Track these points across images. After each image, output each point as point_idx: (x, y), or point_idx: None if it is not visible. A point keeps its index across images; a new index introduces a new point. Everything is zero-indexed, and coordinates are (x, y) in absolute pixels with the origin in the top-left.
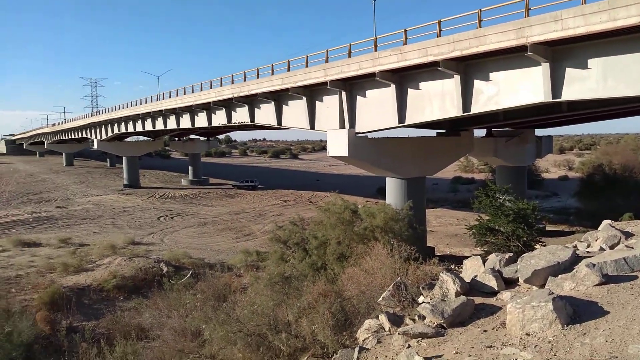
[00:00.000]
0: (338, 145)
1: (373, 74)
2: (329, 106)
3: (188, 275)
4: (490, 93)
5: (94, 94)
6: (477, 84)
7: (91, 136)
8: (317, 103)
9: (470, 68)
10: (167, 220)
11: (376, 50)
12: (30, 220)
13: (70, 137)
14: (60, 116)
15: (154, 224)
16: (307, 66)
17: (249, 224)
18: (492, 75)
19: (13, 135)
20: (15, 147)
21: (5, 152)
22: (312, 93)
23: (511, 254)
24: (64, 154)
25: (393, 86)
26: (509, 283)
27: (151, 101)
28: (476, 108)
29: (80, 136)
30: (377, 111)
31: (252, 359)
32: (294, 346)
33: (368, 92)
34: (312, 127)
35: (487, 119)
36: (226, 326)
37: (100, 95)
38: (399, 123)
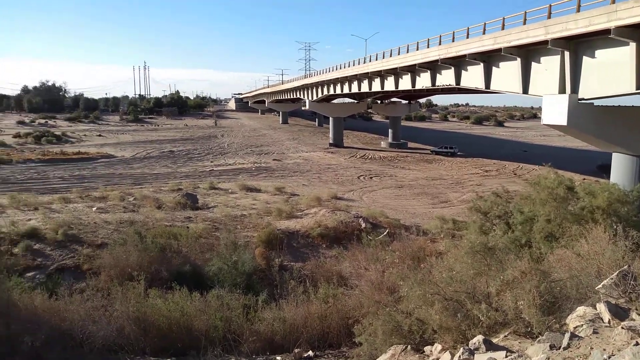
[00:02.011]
0: (555, 112)
1: (607, 31)
2: (547, 68)
3: (384, 233)
4: None
5: (307, 57)
6: None
7: (303, 97)
8: (533, 64)
9: None
10: (366, 180)
11: (613, 2)
12: (252, 169)
13: (285, 98)
14: (278, 78)
15: (354, 182)
16: (524, 23)
17: (445, 191)
18: None
19: (241, 94)
20: (242, 104)
21: (234, 108)
22: (528, 53)
23: None
24: (280, 112)
25: (633, 44)
26: None
27: (358, 64)
28: None
29: (294, 97)
30: (607, 74)
31: (448, 323)
32: (494, 319)
33: (598, 52)
34: (525, 91)
35: None
36: (424, 286)
37: (312, 59)
38: (637, 89)
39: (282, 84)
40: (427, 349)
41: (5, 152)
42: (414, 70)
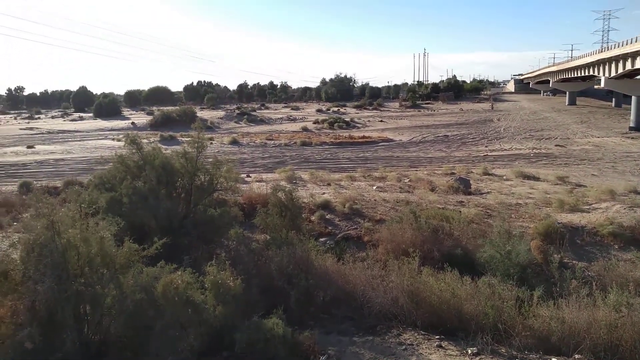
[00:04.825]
0: None
1: None
2: None
3: None
4: None
5: (604, 27)
6: None
7: (597, 74)
8: None
9: None
10: None
11: None
12: (530, 155)
13: (574, 76)
14: (566, 54)
15: None
16: None
17: None
18: None
19: (521, 75)
20: (522, 85)
21: (513, 90)
22: None
23: None
24: (567, 92)
25: None
26: None
27: None
28: None
29: (584, 74)
30: None
31: None
32: None
33: None
34: None
35: None
36: None
37: (612, 29)
38: None
39: (571, 60)
40: None
41: (307, 136)
42: None
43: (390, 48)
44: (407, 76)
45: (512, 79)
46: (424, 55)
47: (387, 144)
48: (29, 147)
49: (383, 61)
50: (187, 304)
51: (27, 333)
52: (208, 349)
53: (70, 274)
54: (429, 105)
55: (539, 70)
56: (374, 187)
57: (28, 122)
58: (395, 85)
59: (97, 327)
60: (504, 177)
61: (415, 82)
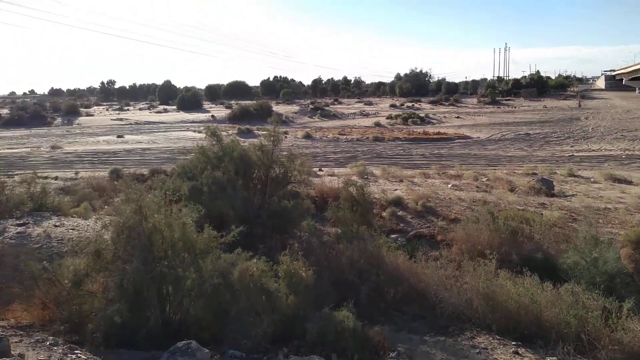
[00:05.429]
0: None
1: None
2: None
3: None
4: None
5: None
6: None
7: None
8: None
9: None
10: None
11: None
12: (622, 157)
13: None
14: None
15: None
16: None
17: None
18: None
19: (613, 70)
20: (614, 82)
21: (603, 87)
22: None
23: None
24: None
25: None
26: None
27: None
28: None
29: None
30: None
31: None
32: None
33: None
34: None
35: None
36: None
37: None
38: None
39: None
40: None
41: (380, 131)
42: None
43: (469, 43)
44: (486, 72)
45: (602, 75)
46: (505, 50)
47: (464, 141)
48: (118, 136)
49: (460, 56)
50: (262, 291)
51: (117, 308)
52: (280, 337)
53: (155, 256)
54: (509, 101)
55: (633, 65)
56: (449, 185)
57: (118, 113)
58: (474, 81)
59: (178, 308)
60: (592, 180)
61: (495, 78)
